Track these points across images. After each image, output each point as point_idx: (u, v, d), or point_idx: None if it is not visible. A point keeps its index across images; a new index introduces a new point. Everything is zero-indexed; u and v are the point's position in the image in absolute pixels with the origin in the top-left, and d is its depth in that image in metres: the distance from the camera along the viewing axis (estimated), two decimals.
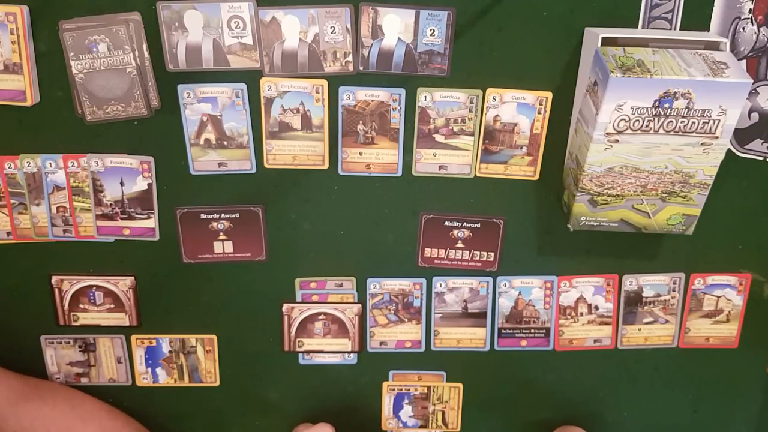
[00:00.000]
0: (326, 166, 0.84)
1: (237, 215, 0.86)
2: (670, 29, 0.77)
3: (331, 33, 0.77)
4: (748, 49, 0.78)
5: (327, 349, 0.93)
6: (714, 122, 0.71)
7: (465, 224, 0.87)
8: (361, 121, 0.82)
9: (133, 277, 0.89)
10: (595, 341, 0.93)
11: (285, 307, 0.90)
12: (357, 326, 0.91)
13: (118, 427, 0.89)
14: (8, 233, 0.86)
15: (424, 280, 0.90)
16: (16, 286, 0.89)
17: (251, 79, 0.80)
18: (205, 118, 0.81)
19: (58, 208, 0.85)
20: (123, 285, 0.89)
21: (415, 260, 0.89)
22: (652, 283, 0.90)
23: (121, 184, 0.84)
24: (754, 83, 0.79)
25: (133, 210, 0.85)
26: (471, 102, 0.81)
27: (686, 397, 0.96)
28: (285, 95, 0.80)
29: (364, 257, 0.88)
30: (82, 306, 0.90)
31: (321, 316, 0.91)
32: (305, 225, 0.87)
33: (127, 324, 0.91)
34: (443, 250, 0.88)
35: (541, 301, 0.91)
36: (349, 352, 0.93)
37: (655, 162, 0.74)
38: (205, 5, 0.76)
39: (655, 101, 0.70)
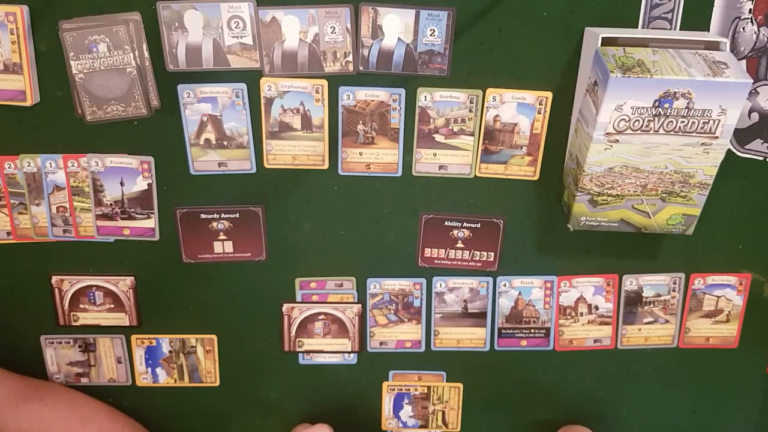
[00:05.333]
0: (326, 166, 0.84)
1: (237, 215, 0.86)
2: (670, 29, 0.77)
3: (331, 33, 0.77)
4: (748, 49, 0.78)
5: (327, 349, 0.93)
6: (714, 122, 0.71)
7: (465, 224, 0.87)
8: (361, 121, 0.82)
9: (133, 277, 0.89)
10: (595, 341, 0.93)
11: (285, 307, 0.90)
12: (357, 326, 0.91)
13: (118, 428, 0.89)
14: (8, 233, 0.86)
15: (424, 280, 0.90)
16: (16, 286, 0.89)
17: (251, 79, 0.80)
18: (205, 118, 0.81)
19: (58, 208, 0.85)
20: (123, 285, 0.89)
21: (415, 260, 0.89)
22: (652, 283, 0.90)
23: (121, 184, 0.84)
24: (754, 83, 0.79)
25: (133, 210, 0.85)
26: (471, 102, 0.81)
27: (686, 397, 0.96)
28: (285, 95, 0.80)
29: (364, 257, 0.88)
30: (82, 306, 0.90)
31: (321, 316, 0.91)
32: (305, 225, 0.87)
33: (127, 324, 0.91)
34: (443, 250, 0.88)
35: (541, 301, 0.91)
36: (349, 352, 0.93)
37: (655, 162, 0.74)
38: (205, 5, 0.76)
39: (655, 101, 0.70)
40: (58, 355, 0.92)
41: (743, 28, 0.77)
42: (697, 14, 0.77)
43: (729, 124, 0.71)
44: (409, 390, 0.95)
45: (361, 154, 0.83)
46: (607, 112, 0.70)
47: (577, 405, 0.96)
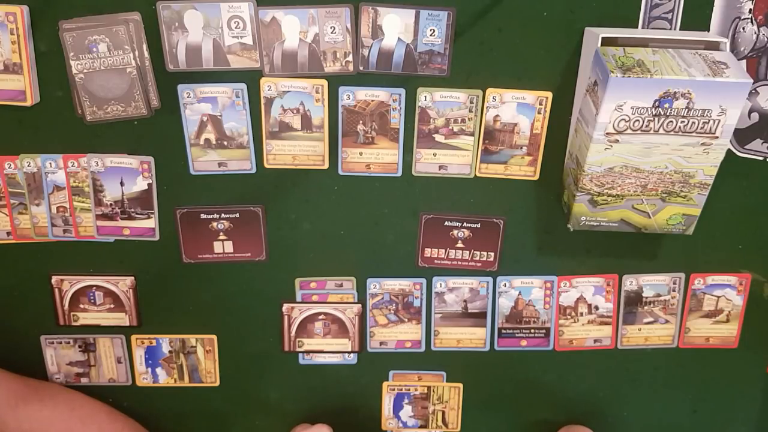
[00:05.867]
0: (326, 166, 0.84)
1: (237, 215, 0.86)
2: (670, 29, 0.77)
3: (331, 33, 0.77)
4: (748, 49, 0.78)
5: (327, 349, 0.93)
6: (714, 122, 0.71)
7: (465, 224, 0.87)
8: (361, 121, 0.82)
9: (133, 277, 0.89)
10: (595, 341, 0.93)
11: (285, 307, 0.90)
12: (357, 326, 0.91)
13: (118, 429, 0.89)
14: (8, 233, 0.86)
15: (424, 280, 0.90)
16: (16, 286, 0.89)
17: (251, 79, 0.80)
18: (205, 118, 0.81)
19: (58, 208, 0.85)
20: (123, 285, 0.89)
21: (415, 260, 0.89)
22: (652, 283, 0.90)
23: (121, 184, 0.84)
24: (754, 83, 0.79)
25: (133, 210, 0.85)
26: (471, 102, 0.81)
27: (686, 397, 0.96)
28: (285, 95, 0.80)
29: (364, 257, 0.88)
30: (82, 306, 0.90)
31: (321, 316, 0.91)
32: (305, 225, 0.87)
33: (127, 324, 0.91)
34: (443, 250, 0.88)
35: (541, 301, 0.91)
36: (349, 352, 0.93)
37: (655, 162, 0.74)
38: (205, 5, 0.76)
39: (655, 101, 0.70)
40: (58, 355, 0.92)
41: (743, 28, 0.77)
42: (697, 14, 0.77)
43: (729, 124, 0.71)
44: (409, 390, 0.95)
45: (361, 154, 0.83)
46: (607, 112, 0.70)
47: (577, 405, 0.96)
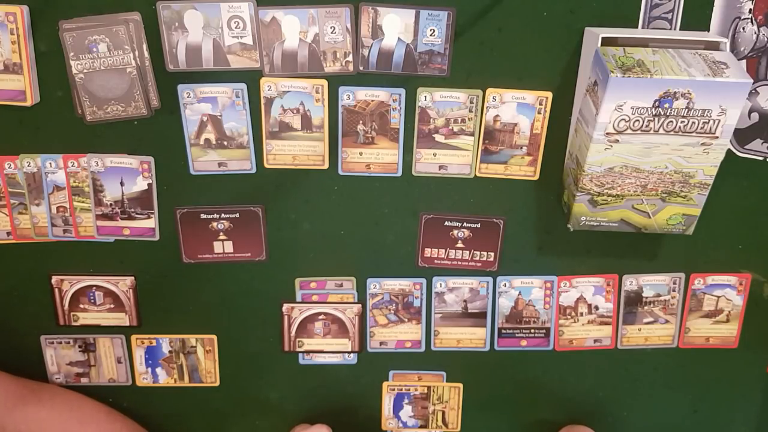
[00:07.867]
0: (326, 166, 0.84)
1: (237, 215, 0.86)
2: (670, 29, 0.77)
3: (331, 33, 0.77)
4: (748, 49, 0.78)
5: (327, 349, 0.93)
6: (714, 122, 0.71)
7: (465, 224, 0.87)
8: (361, 121, 0.82)
9: (133, 277, 0.89)
10: (595, 341, 0.93)
11: (285, 307, 0.90)
12: (357, 326, 0.91)
13: (117, 429, 0.89)
14: (8, 233, 0.86)
15: (424, 280, 0.90)
16: (16, 286, 0.89)
17: (251, 79, 0.80)
18: (205, 118, 0.81)
19: (58, 208, 0.85)
20: (123, 285, 0.89)
21: (415, 260, 0.89)
22: (652, 283, 0.90)
23: (121, 184, 0.84)
24: (754, 83, 0.79)
25: (133, 210, 0.85)
26: (471, 102, 0.81)
27: (686, 397, 0.96)
28: (285, 95, 0.80)
29: (364, 257, 0.88)
30: (82, 306, 0.90)
31: (321, 316, 0.91)
32: (305, 225, 0.87)
33: (127, 324, 0.91)
34: (443, 250, 0.88)
35: (541, 301, 0.91)
36: (349, 352, 0.93)
37: (655, 162, 0.74)
38: (205, 5, 0.76)
39: (655, 101, 0.70)
40: (58, 355, 0.92)
41: (743, 28, 0.77)
42: (697, 14, 0.77)
43: (729, 124, 0.71)
44: (409, 390, 0.95)
45: (361, 154, 0.83)
46: (607, 112, 0.70)
47: (577, 405, 0.96)
